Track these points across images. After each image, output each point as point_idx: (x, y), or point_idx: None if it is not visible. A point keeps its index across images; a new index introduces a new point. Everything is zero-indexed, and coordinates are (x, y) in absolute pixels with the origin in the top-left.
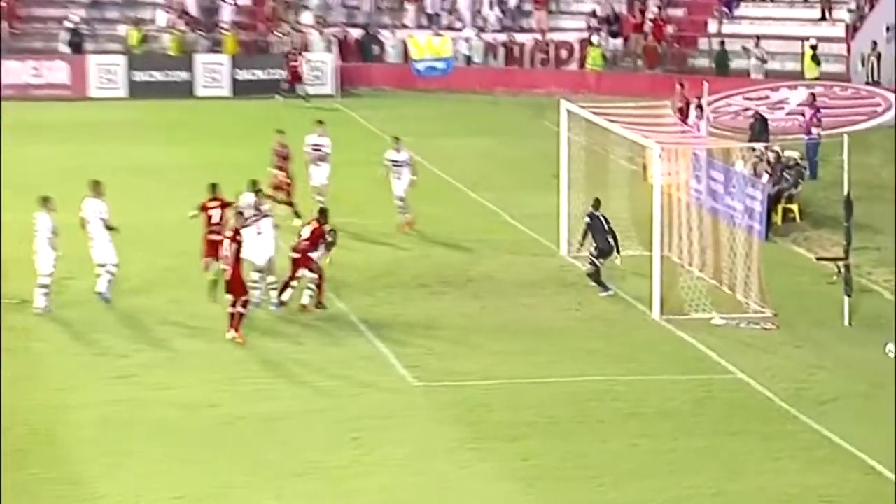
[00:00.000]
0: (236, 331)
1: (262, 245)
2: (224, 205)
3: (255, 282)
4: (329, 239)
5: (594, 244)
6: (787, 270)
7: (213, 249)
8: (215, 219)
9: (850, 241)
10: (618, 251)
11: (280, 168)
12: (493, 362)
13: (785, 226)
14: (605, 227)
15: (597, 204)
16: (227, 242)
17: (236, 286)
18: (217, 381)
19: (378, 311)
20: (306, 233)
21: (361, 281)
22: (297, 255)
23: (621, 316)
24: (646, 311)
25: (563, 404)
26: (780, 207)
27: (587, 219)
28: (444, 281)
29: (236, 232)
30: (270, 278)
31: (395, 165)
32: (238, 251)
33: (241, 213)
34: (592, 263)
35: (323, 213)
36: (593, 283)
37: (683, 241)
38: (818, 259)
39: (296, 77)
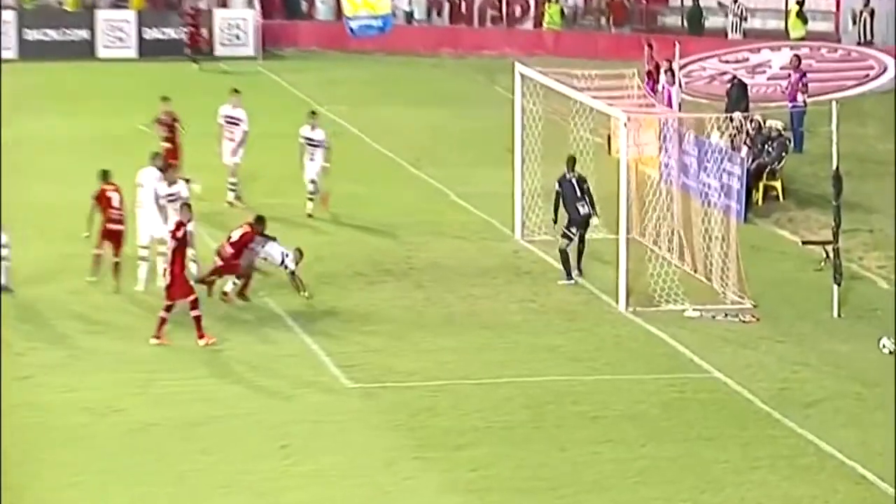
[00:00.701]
0: (200, 336)
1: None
2: (119, 190)
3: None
4: (293, 256)
5: (566, 215)
6: (768, 256)
7: (112, 238)
8: (115, 202)
9: (840, 223)
10: (594, 212)
11: (167, 140)
12: (438, 361)
13: (766, 205)
14: (577, 192)
15: (571, 164)
16: (168, 237)
17: (178, 288)
18: (126, 382)
19: (309, 304)
20: (235, 236)
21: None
22: (220, 263)
23: (583, 308)
24: (611, 303)
25: (518, 408)
26: (760, 184)
27: (557, 186)
28: (383, 269)
29: (179, 226)
30: (190, 251)
31: (309, 145)
32: (180, 248)
33: (187, 206)
34: (565, 235)
35: (260, 220)
36: (560, 265)
37: (653, 222)
38: (804, 243)
39: (195, 41)
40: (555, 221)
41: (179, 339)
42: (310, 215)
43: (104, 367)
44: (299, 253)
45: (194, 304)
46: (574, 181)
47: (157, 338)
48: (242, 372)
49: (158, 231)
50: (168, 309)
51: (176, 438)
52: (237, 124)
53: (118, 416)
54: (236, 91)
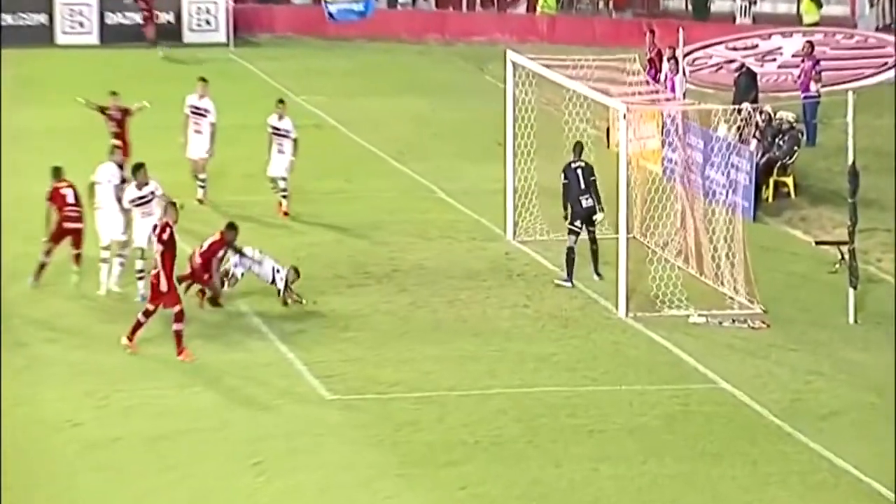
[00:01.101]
0: (179, 352)
1: (148, 227)
2: (73, 186)
3: (141, 270)
4: (285, 274)
5: (570, 207)
6: (779, 257)
7: (70, 235)
8: (70, 199)
9: (856, 222)
10: (599, 207)
11: (116, 136)
12: (423, 371)
13: (777, 203)
14: (581, 183)
15: (578, 150)
16: (153, 240)
17: (166, 295)
18: (85, 393)
19: (284, 310)
20: (206, 245)
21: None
22: (189, 271)
23: (580, 313)
24: (609, 308)
25: (509, 421)
26: (771, 180)
27: (563, 176)
28: (364, 272)
29: (165, 227)
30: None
31: (276, 134)
32: (169, 252)
33: (173, 204)
34: (571, 231)
35: (231, 227)
36: (565, 263)
37: (655, 221)
38: (817, 243)
39: (150, 23)
40: (565, 218)
41: (144, 347)
42: (286, 213)
43: (62, 377)
44: (295, 273)
45: (179, 317)
46: (579, 171)
47: (129, 340)
48: (212, 382)
49: (118, 233)
50: (147, 313)
51: (139, 454)
52: (204, 115)
53: (77, 431)
54: (203, 80)
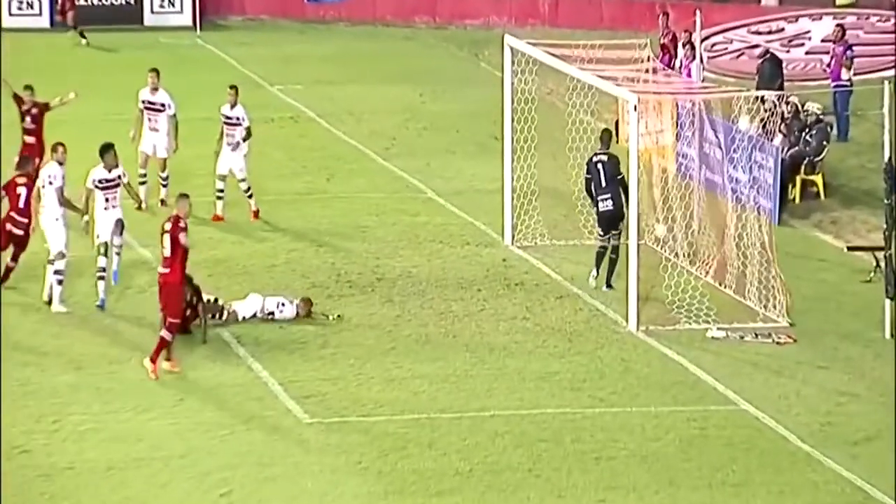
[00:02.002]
0: (151, 360)
1: (112, 219)
2: (32, 184)
3: (103, 269)
4: (292, 309)
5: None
6: (807, 264)
7: (10, 241)
8: (22, 201)
9: (893, 225)
10: (626, 208)
11: (31, 132)
12: (411, 390)
13: (805, 204)
14: (602, 179)
15: (604, 140)
16: (166, 238)
17: (171, 301)
18: (35, 417)
19: (257, 324)
20: None
21: (232, 283)
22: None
23: (585, 326)
24: (618, 320)
25: (507, 446)
26: (798, 179)
27: (585, 170)
28: (346, 281)
29: (178, 220)
30: (117, 241)
31: (227, 124)
32: (183, 250)
33: (184, 196)
34: (599, 235)
35: (195, 290)
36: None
37: (669, 224)
38: (849, 249)
39: (68, 6)
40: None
41: (98, 366)
42: (256, 215)
43: (9, 398)
44: (307, 303)
45: (172, 327)
46: (600, 165)
47: (168, 360)
48: (175, 405)
49: (59, 244)
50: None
51: (94, 484)
52: (161, 110)
53: (24, 459)
54: (155, 71)
